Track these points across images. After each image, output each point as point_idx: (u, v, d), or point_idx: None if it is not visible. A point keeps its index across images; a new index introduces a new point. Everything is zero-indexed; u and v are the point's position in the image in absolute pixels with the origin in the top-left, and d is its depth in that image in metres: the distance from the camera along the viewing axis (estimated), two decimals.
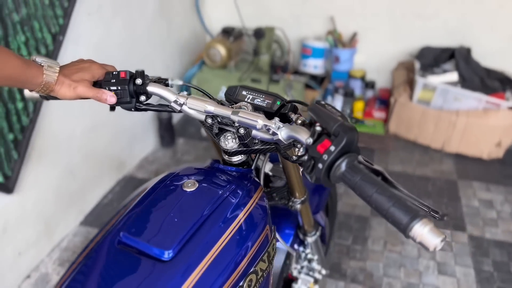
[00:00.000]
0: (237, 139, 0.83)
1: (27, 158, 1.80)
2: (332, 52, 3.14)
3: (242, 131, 0.80)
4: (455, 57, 2.78)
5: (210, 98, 0.90)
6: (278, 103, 0.84)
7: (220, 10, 3.30)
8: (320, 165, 0.65)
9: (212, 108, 0.81)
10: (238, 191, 0.79)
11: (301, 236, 1.24)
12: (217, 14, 3.35)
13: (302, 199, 1.02)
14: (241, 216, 0.74)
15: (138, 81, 0.84)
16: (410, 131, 2.85)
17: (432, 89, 2.68)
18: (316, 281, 1.39)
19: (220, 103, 0.87)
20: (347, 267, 1.94)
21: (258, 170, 0.97)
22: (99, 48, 2.17)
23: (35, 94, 0.88)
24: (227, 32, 2.88)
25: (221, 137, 0.86)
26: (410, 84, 2.89)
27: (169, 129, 2.82)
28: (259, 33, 2.77)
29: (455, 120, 2.63)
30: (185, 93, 0.86)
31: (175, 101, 0.84)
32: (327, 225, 1.53)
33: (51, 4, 1.78)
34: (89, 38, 2.07)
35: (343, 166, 0.65)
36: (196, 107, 0.83)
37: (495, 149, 2.66)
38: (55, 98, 0.84)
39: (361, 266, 1.95)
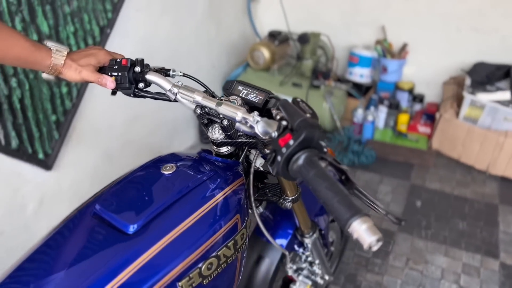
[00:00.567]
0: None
1: (67, 139, 1.94)
2: (380, 62, 3.08)
3: (225, 122, 0.84)
4: (510, 75, 2.62)
5: (206, 90, 0.94)
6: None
7: (271, 14, 3.35)
8: (279, 158, 0.67)
9: (199, 98, 0.85)
10: (216, 178, 0.82)
11: (298, 237, 1.24)
12: (268, 18, 3.41)
13: (293, 197, 1.03)
14: (212, 201, 0.77)
15: (137, 68, 0.90)
16: (454, 149, 2.72)
17: (481, 106, 2.55)
18: (316, 285, 1.38)
19: (211, 95, 0.91)
20: (363, 279, 1.90)
21: (250, 164, 1.00)
22: (145, 44, 2.30)
23: (50, 76, 0.97)
24: (273, 36, 2.93)
25: (210, 128, 0.89)
26: (459, 100, 2.76)
27: None
28: (303, 38, 2.78)
29: (503, 141, 2.48)
30: (180, 83, 0.90)
31: (170, 90, 0.89)
32: (331, 230, 1.52)
33: None
34: (135, 33, 2.20)
35: (301, 160, 0.66)
36: (186, 97, 0.87)
37: None
38: (65, 80, 0.92)
39: (377, 280, 1.90)
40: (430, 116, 3.03)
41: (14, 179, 1.73)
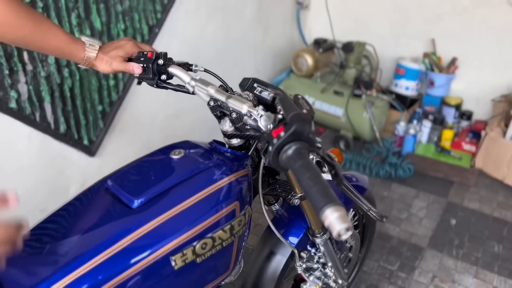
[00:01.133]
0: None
1: (111, 128, 2.08)
2: (427, 75, 3.02)
3: (234, 115, 0.89)
4: None
5: (224, 86, 1.01)
6: None
7: (320, 22, 3.37)
8: (270, 148, 0.71)
9: (212, 91, 0.91)
10: (222, 166, 0.88)
11: (309, 236, 1.27)
12: (317, 26, 3.44)
13: (301, 194, 1.06)
14: (213, 186, 0.83)
15: (160, 61, 0.98)
16: (499, 169, 2.61)
17: None
18: (327, 287, 1.39)
19: (224, 90, 0.97)
20: None
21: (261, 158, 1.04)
22: (192, 45, 2.41)
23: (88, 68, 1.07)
24: (318, 43, 2.95)
25: (222, 120, 0.95)
26: (508, 119, 2.65)
27: None
28: (347, 47, 2.79)
29: None
30: (198, 76, 0.97)
31: (188, 83, 0.96)
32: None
33: (152, 0, 2.05)
34: (183, 33, 2.32)
35: (290, 152, 0.70)
36: (201, 90, 0.94)
37: None
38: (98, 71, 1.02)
39: None
40: (477, 134, 2.92)
41: (60, 161, 1.88)
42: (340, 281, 1.40)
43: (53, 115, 1.78)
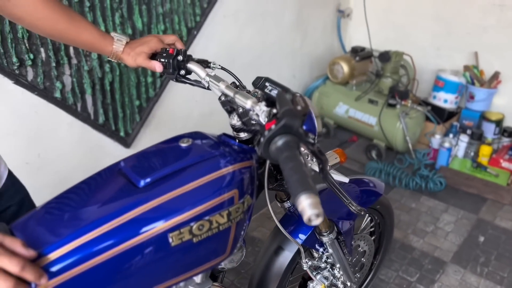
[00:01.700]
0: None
1: (147, 123, 2.21)
2: (468, 88, 2.95)
3: (240, 110, 0.96)
4: None
5: (238, 83, 1.07)
6: None
7: (361, 31, 3.38)
8: (262, 139, 0.77)
9: (223, 87, 0.98)
10: (226, 156, 0.94)
11: (316, 234, 1.30)
12: (358, 34, 3.45)
13: None
14: (215, 173, 0.89)
15: (179, 57, 1.06)
16: None
17: None
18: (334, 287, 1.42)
19: (235, 86, 1.03)
20: None
21: None
22: (229, 47, 2.50)
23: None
24: (355, 51, 2.97)
25: (231, 115, 1.02)
26: None
27: None
28: (384, 56, 2.78)
29: None
30: (213, 73, 1.05)
31: (204, 78, 1.04)
32: (362, 240, 1.54)
33: (192, 3, 2.17)
34: (220, 36, 2.42)
35: (279, 143, 0.75)
36: (214, 85, 1.01)
37: None
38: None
39: None
40: None
41: (97, 150, 2.03)
42: (348, 284, 1.43)
43: (93, 107, 1.92)
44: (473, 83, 2.91)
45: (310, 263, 1.33)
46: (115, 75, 1.95)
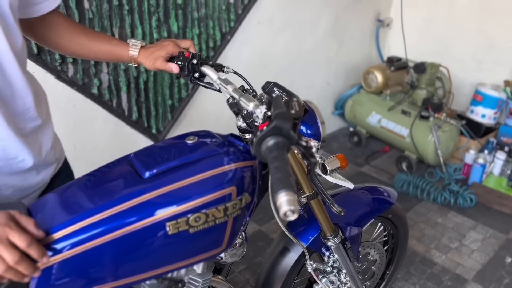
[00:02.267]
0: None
1: (178, 122, 2.31)
2: (508, 104, 2.85)
3: (244, 112, 1.02)
4: None
5: (247, 87, 1.13)
6: None
7: (400, 41, 3.34)
8: (254, 139, 0.82)
9: (230, 90, 1.04)
10: (230, 155, 1.00)
11: (321, 238, 1.33)
12: (396, 44, 3.41)
13: (308, 194, 1.15)
14: (216, 170, 0.95)
15: (194, 61, 1.14)
16: None
17: None
18: None
19: (243, 90, 1.09)
20: None
21: None
22: (262, 53, 2.57)
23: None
24: (391, 61, 2.94)
25: (237, 117, 1.08)
26: None
27: None
28: (419, 67, 2.75)
29: None
30: (223, 76, 1.11)
31: (215, 81, 1.10)
32: (372, 248, 1.55)
33: (227, 9, 2.25)
34: (254, 42, 2.49)
35: (269, 143, 0.80)
36: (223, 88, 1.07)
37: None
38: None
39: None
40: None
41: (129, 145, 2.15)
42: None
43: (127, 104, 2.05)
44: None
45: (314, 265, 1.35)
46: (150, 75, 2.07)
